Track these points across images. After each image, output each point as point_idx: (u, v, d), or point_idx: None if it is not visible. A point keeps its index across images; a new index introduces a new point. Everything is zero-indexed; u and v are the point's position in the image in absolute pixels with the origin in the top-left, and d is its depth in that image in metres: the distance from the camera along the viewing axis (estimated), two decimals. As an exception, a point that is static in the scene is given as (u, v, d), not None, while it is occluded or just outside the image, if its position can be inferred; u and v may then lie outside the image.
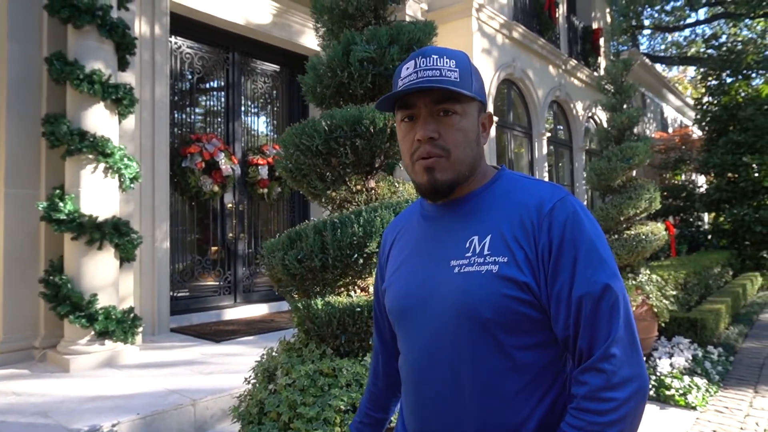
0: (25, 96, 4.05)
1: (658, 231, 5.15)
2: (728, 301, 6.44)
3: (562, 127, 11.27)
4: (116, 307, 3.93)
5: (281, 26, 6.33)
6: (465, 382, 0.94)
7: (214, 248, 6.01)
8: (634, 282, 4.93)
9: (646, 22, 17.93)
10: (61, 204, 3.75)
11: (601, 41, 12.10)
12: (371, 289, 2.20)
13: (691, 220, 13.44)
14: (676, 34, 21.82)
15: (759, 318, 7.43)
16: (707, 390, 4.02)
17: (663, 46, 22.70)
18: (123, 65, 4.25)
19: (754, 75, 13.14)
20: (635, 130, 5.71)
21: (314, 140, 2.13)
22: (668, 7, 17.24)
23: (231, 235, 6.10)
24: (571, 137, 11.36)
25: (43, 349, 3.99)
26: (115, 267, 4.05)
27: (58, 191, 3.84)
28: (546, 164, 9.92)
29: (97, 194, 3.95)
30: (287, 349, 2.17)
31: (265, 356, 2.22)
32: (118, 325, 3.84)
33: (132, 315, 4.01)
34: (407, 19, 6.11)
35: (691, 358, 4.60)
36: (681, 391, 3.89)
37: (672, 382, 3.98)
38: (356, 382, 1.91)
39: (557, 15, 10.00)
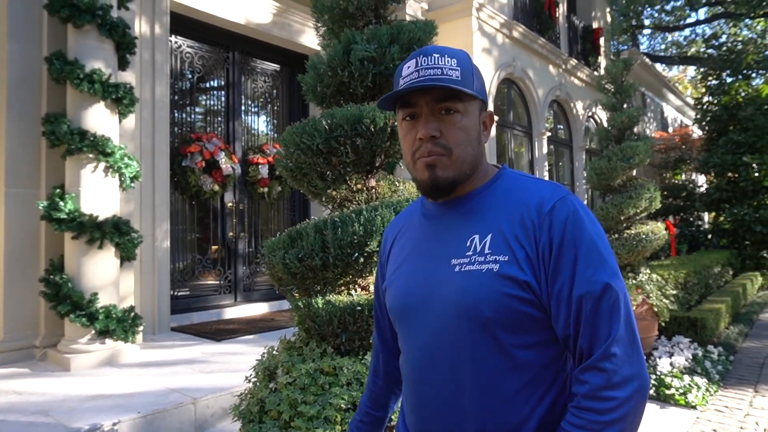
0: (25, 95, 4.05)
1: (658, 230, 5.15)
2: (728, 301, 6.44)
3: (562, 127, 11.27)
4: (117, 306, 3.93)
5: (281, 25, 6.33)
6: (465, 382, 0.94)
7: (214, 247, 6.01)
8: (634, 281, 4.94)
9: (646, 22, 17.93)
10: (61, 203, 3.75)
11: (602, 41, 12.09)
12: (372, 288, 2.20)
13: (691, 219, 13.44)
14: (676, 33, 21.84)
15: (759, 317, 7.43)
16: (707, 389, 4.02)
17: (663, 46, 22.70)
18: (123, 65, 4.24)
19: (754, 75, 13.14)
20: (635, 130, 5.71)
21: (315, 139, 2.13)
22: (668, 7, 17.25)
23: (231, 234, 6.10)
24: (571, 137, 11.36)
25: (43, 348, 3.99)
26: (115, 266, 4.05)
27: (58, 190, 3.84)
28: (546, 163, 9.92)
29: (98, 193, 3.95)
30: (288, 347, 2.17)
31: (265, 355, 2.22)
32: (118, 324, 3.85)
33: (132, 314, 4.01)
34: (407, 18, 6.10)
35: (691, 357, 4.60)
36: (681, 391, 3.89)
37: (672, 381, 3.98)
38: (357, 380, 1.91)
39: (557, 14, 10.00)
